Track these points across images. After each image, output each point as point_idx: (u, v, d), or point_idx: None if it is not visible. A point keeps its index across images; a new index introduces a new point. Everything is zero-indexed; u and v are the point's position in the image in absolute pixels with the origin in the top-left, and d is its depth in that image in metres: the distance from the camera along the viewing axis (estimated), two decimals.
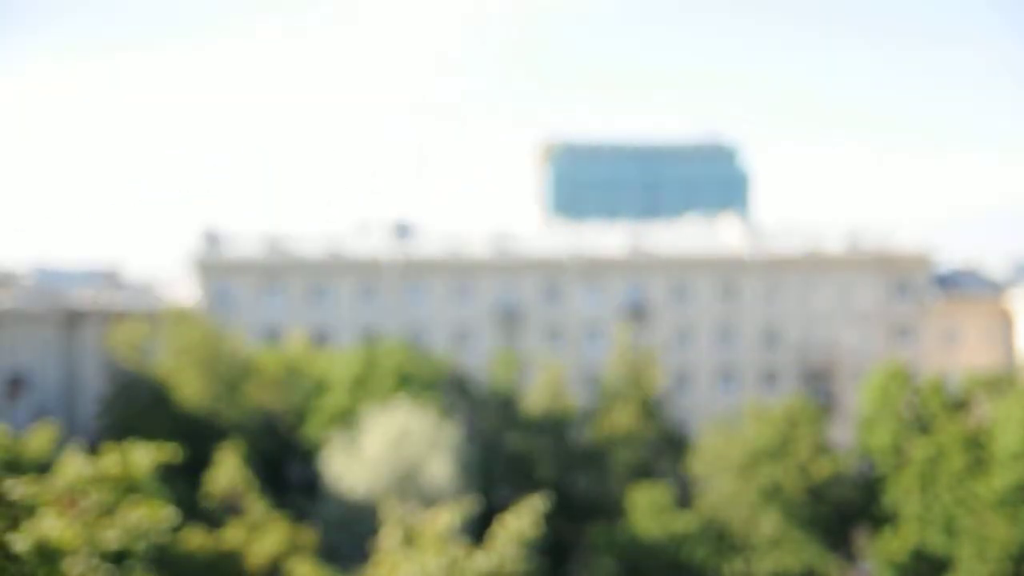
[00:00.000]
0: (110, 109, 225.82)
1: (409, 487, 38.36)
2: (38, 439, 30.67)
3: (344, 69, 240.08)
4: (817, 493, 42.64)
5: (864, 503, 44.02)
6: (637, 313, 66.18)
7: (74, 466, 14.30)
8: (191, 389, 46.89)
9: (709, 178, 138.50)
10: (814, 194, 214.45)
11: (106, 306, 57.73)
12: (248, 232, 68.68)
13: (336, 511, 39.37)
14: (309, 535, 34.51)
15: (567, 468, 46.53)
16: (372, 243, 68.49)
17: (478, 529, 19.20)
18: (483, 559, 15.38)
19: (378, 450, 39.49)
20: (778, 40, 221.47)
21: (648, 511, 42.26)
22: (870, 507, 43.80)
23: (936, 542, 41.05)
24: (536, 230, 73.92)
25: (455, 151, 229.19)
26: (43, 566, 10.28)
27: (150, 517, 13.38)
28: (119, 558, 12.77)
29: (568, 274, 66.73)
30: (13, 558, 10.56)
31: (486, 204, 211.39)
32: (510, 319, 65.81)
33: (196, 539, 32.09)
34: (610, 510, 44.71)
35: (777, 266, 68.06)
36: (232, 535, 33.51)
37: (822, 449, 43.38)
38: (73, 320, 54.26)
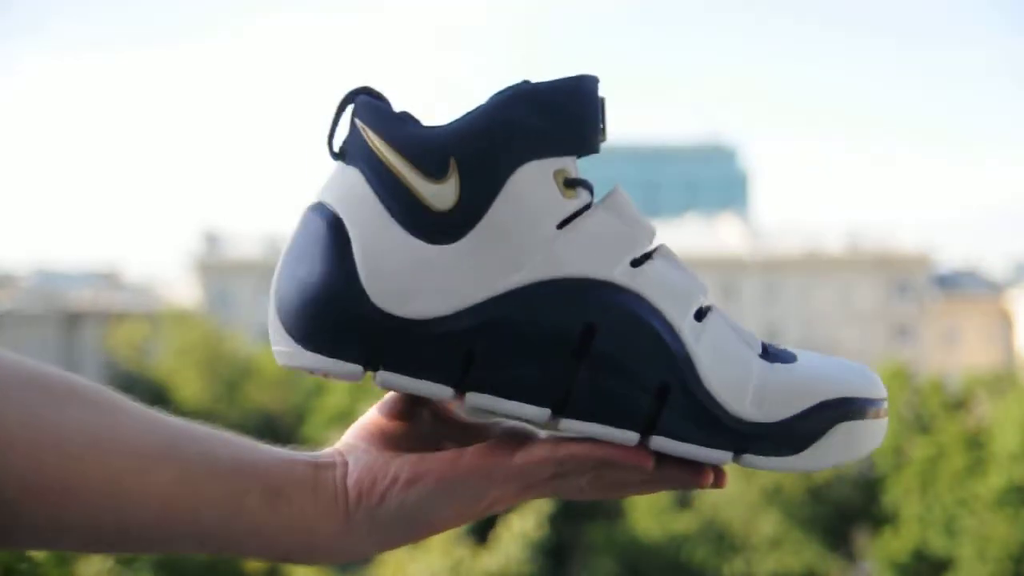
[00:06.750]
0: (110, 108, 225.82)
1: None
2: None
3: (342, 69, 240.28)
4: (817, 493, 42.72)
5: (864, 503, 44.05)
6: None
7: None
8: (191, 389, 46.78)
9: (709, 178, 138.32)
10: (814, 194, 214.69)
11: (106, 306, 57.68)
12: (248, 232, 68.64)
13: None
14: None
15: None
16: None
17: (480, 529, 19.28)
18: (489, 559, 15.45)
19: None
20: (778, 40, 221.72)
21: (648, 511, 42.23)
22: (870, 507, 43.84)
23: (936, 542, 41.07)
24: None
25: None
26: (57, 568, 10.35)
27: None
28: (129, 560, 12.83)
29: None
30: (28, 560, 10.63)
31: None
32: None
33: None
34: (610, 510, 44.71)
35: (777, 266, 68.14)
36: None
37: None
38: (73, 321, 54.31)
